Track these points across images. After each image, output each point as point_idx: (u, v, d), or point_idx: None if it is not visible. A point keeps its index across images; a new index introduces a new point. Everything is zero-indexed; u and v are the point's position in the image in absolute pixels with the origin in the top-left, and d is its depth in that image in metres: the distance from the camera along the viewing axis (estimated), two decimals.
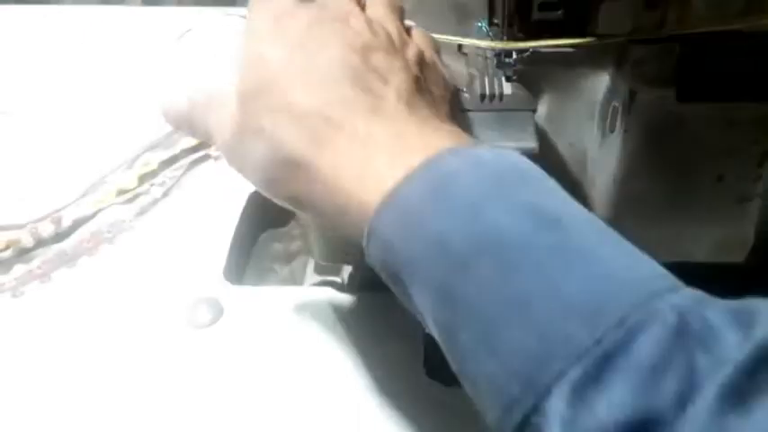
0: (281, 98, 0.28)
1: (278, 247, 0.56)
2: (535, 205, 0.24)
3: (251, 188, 0.54)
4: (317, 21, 0.30)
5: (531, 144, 0.34)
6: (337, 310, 0.45)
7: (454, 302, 0.23)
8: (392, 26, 0.32)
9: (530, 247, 0.23)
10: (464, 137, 0.29)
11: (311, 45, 0.29)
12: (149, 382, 0.41)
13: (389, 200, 0.25)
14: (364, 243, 0.26)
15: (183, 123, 0.33)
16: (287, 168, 0.28)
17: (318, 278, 0.51)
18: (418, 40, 0.34)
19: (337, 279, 0.50)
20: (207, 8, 0.78)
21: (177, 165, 0.57)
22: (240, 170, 0.31)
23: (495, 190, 0.24)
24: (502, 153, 0.26)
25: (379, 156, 0.27)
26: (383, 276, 0.27)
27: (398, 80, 0.30)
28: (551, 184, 0.26)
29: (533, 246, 0.23)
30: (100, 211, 0.53)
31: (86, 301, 0.46)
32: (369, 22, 0.31)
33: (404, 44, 0.32)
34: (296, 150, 0.28)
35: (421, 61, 0.32)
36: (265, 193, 0.31)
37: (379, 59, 0.30)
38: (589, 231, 0.24)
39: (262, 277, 0.54)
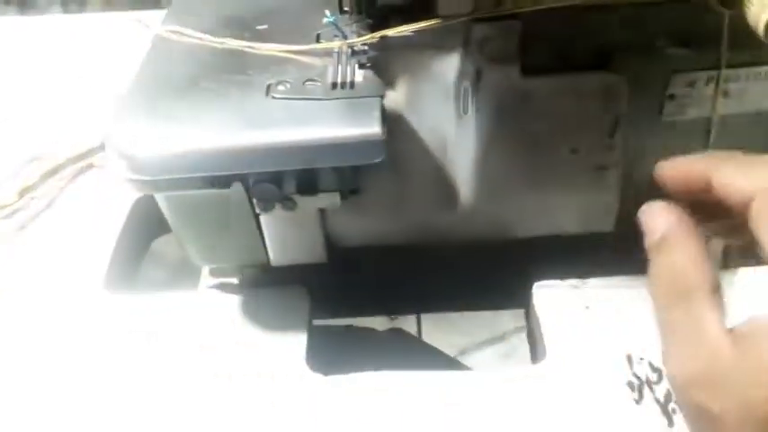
0: None
1: (169, 252, 0.55)
2: None
3: (135, 195, 0.54)
4: None
5: (376, 129, 0.34)
6: (223, 309, 0.45)
7: None
8: None
9: None
10: None
11: None
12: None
13: None
14: None
15: None
16: None
17: (214, 281, 0.50)
18: None
19: (233, 280, 0.49)
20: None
21: (59, 175, 0.56)
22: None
23: None
24: None
25: None
26: None
27: None
28: None
29: None
30: None
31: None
32: None
33: None
34: None
35: None
36: None
37: None
38: None
39: (156, 284, 0.53)
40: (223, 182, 0.36)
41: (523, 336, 0.51)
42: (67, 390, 0.40)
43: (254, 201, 0.38)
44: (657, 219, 0.26)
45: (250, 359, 0.42)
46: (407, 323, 0.52)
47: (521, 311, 0.50)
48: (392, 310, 0.52)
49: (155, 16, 0.76)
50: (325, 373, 0.41)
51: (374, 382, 0.40)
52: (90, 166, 0.56)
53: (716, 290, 0.24)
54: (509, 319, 0.52)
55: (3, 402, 0.40)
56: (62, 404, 0.40)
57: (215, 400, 0.39)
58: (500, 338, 0.51)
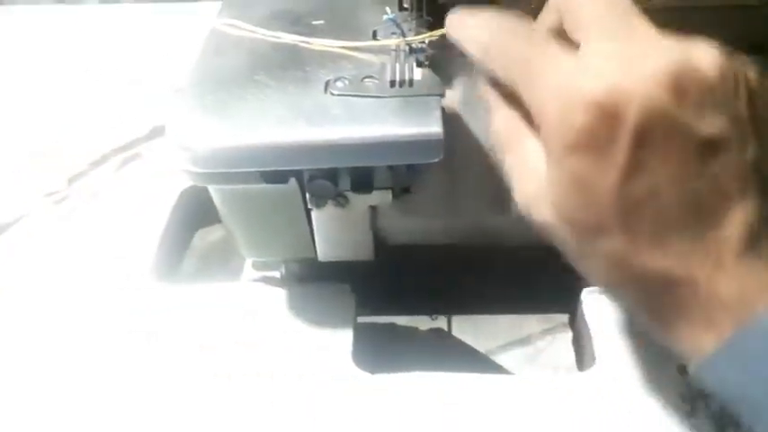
0: (618, 246, 0.26)
1: (216, 243, 0.55)
2: None
3: (182, 186, 0.54)
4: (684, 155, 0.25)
5: (436, 129, 0.34)
6: (268, 303, 0.45)
7: None
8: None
9: None
10: None
11: (646, 171, 0.25)
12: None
13: (733, 345, 0.25)
14: (692, 369, 0.27)
15: None
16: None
17: (257, 274, 0.51)
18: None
19: (276, 274, 0.49)
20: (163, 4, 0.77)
21: (108, 164, 0.56)
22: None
23: None
24: None
25: (718, 315, 0.26)
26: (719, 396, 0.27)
27: (745, 210, 0.25)
28: None
29: None
30: (27, 213, 0.52)
31: (11, 308, 0.45)
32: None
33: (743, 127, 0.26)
34: (632, 308, 0.28)
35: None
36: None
37: (718, 170, 0.25)
38: None
39: (198, 275, 0.53)
40: (279, 177, 0.36)
41: (549, 339, 0.50)
42: (117, 377, 0.41)
43: (308, 197, 0.38)
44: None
45: (295, 355, 0.42)
46: (437, 323, 0.52)
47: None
48: (434, 309, 0.52)
49: (204, 8, 0.76)
50: (372, 372, 0.40)
51: (422, 381, 0.40)
52: (137, 156, 0.56)
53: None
54: (534, 321, 0.52)
55: (47, 387, 0.40)
56: (113, 391, 0.40)
57: (262, 396, 0.40)
58: (525, 341, 0.51)
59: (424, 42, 0.38)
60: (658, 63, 0.25)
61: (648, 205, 0.25)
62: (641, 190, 0.25)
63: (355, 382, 0.40)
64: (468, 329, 0.51)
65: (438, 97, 0.36)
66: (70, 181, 0.55)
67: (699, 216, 0.25)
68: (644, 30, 0.27)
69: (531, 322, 0.51)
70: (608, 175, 0.25)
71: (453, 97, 0.39)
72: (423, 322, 0.51)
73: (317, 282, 0.46)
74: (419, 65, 0.38)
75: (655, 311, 0.27)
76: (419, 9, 0.39)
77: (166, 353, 0.42)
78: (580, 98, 0.25)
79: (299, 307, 0.45)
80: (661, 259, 0.26)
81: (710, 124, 0.25)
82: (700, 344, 0.26)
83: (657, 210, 0.25)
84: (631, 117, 0.24)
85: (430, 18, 0.39)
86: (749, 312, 0.25)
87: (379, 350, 0.45)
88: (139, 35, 0.70)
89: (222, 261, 0.54)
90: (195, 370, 0.41)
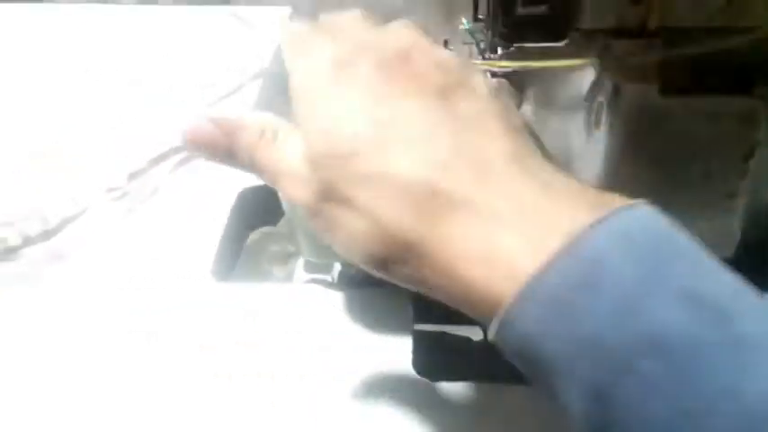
0: (371, 165, 0.24)
1: (269, 245, 0.56)
2: (696, 292, 0.21)
3: (241, 186, 0.55)
4: (382, 65, 0.26)
5: None
6: (326, 306, 0.45)
7: (613, 405, 0.21)
8: (444, 53, 0.27)
9: (699, 346, 0.20)
10: (593, 198, 0.23)
11: (385, 97, 0.25)
12: (141, 382, 0.41)
13: (529, 292, 0.22)
14: (492, 331, 0.23)
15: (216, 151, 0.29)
16: (390, 248, 0.24)
17: (308, 276, 0.51)
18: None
19: (327, 277, 0.50)
20: (201, 7, 0.78)
21: (166, 162, 0.57)
22: (328, 239, 0.27)
23: (650, 276, 0.21)
24: (648, 222, 0.23)
25: (506, 236, 0.22)
26: (517, 363, 0.24)
27: (495, 129, 0.25)
28: (704, 256, 0.22)
29: (703, 345, 0.20)
30: (88, 208, 0.53)
31: (75, 301, 0.46)
32: (431, 54, 0.27)
33: (471, 74, 0.27)
34: (401, 229, 0.24)
35: (497, 92, 0.27)
36: (365, 267, 0.26)
37: (462, 104, 0.25)
38: (759, 320, 0.21)
39: (251, 276, 0.54)
40: None
41: None
42: (163, 376, 0.41)
43: None
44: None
45: (356, 358, 0.42)
46: None
47: None
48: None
49: (250, 12, 0.78)
50: (431, 379, 0.41)
51: (479, 391, 0.40)
52: (194, 156, 0.57)
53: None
54: None
55: (101, 379, 0.41)
56: (165, 388, 0.41)
57: (319, 398, 0.40)
58: None
59: (495, 52, 0.39)
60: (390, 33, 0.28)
61: (401, 126, 0.25)
62: (392, 112, 0.25)
63: (415, 389, 0.40)
64: None
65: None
66: (130, 177, 0.56)
67: (456, 134, 0.24)
68: None
69: None
70: (357, 99, 0.25)
71: (525, 108, 0.39)
72: (475, 332, 0.51)
73: (372, 287, 0.46)
74: (494, 75, 0.38)
75: (436, 242, 0.23)
76: (494, 21, 0.39)
77: (219, 351, 0.42)
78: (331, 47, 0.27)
79: (357, 310, 0.45)
80: (427, 170, 0.24)
81: (441, 74, 0.26)
82: (496, 287, 0.22)
83: (409, 126, 0.24)
84: (372, 52, 0.26)
85: (505, 29, 0.39)
86: (543, 239, 0.22)
87: (434, 359, 0.45)
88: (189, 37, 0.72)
89: (275, 262, 0.55)
90: (245, 368, 0.41)
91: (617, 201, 0.23)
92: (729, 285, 0.22)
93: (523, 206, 0.23)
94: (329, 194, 0.25)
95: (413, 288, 0.26)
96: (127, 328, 0.44)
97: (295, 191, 0.27)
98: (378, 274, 0.26)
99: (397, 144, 0.24)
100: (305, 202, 0.26)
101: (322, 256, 0.46)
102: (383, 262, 0.25)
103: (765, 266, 0.44)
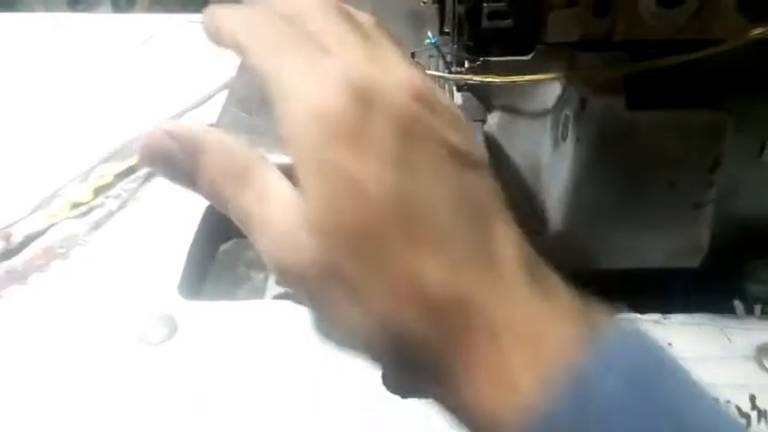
0: (395, 257, 0.21)
1: (244, 252, 0.55)
2: (681, 418, 0.21)
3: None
4: (400, 122, 0.22)
5: None
6: (295, 323, 0.45)
7: None
8: (446, 98, 0.25)
9: None
10: (583, 311, 0.22)
11: (406, 166, 0.22)
12: (102, 400, 0.40)
13: (534, 422, 0.20)
14: None
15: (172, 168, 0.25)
16: (394, 353, 0.22)
17: (281, 289, 0.50)
18: None
19: None
20: (174, 15, 0.77)
21: (133, 176, 0.56)
22: (315, 310, 0.24)
23: (638, 403, 0.20)
24: (633, 344, 0.22)
25: (513, 355, 0.21)
26: None
27: (501, 217, 0.23)
28: (688, 378, 0.22)
29: None
30: (52, 225, 0.51)
31: (38, 320, 0.45)
32: (442, 104, 0.24)
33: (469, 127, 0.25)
34: (413, 341, 0.21)
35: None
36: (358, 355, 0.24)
37: (472, 177, 0.23)
38: None
39: (224, 289, 0.53)
40: None
41: None
42: (143, 395, 0.40)
43: None
44: None
45: (330, 370, 0.41)
46: None
47: None
48: None
49: None
50: (404, 397, 0.40)
51: None
52: None
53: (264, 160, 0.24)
54: None
55: (70, 396, 0.40)
56: (137, 406, 0.40)
57: (289, 418, 0.39)
58: None
59: (462, 66, 0.38)
60: (401, 74, 0.23)
61: (424, 208, 0.22)
62: (413, 190, 0.22)
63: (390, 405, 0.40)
64: None
65: (480, 123, 0.36)
66: (95, 192, 0.54)
67: (474, 224, 0.22)
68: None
69: None
70: (375, 167, 0.21)
71: (491, 122, 0.39)
72: None
73: None
74: (459, 89, 0.38)
75: (449, 356, 0.21)
76: (460, 34, 0.39)
77: (197, 368, 0.42)
78: (332, 82, 0.22)
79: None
80: (450, 274, 0.21)
81: (454, 134, 0.23)
82: (501, 413, 0.21)
83: (433, 213, 0.22)
84: (386, 106, 0.22)
85: (470, 43, 0.39)
86: (544, 359, 0.21)
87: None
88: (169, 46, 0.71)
89: (244, 276, 0.54)
90: (237, 381, 0.41)
91: (602, 320, 0.22)
92: (709, 409, 0.22)
93: (529, 324, 0.21)
94: (330, 272, 0.22)
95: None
96: (80, 347, 0.43)
97: (281, 253, 0.23)
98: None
99: (425, 236, 0.21)
100: (294, 270, 0.22)
101: None
102: (378, 358, 0.23)
103: (732, 276, 0.45)
